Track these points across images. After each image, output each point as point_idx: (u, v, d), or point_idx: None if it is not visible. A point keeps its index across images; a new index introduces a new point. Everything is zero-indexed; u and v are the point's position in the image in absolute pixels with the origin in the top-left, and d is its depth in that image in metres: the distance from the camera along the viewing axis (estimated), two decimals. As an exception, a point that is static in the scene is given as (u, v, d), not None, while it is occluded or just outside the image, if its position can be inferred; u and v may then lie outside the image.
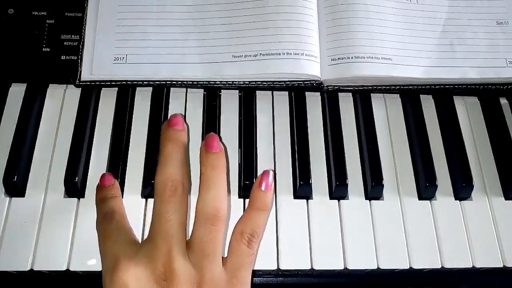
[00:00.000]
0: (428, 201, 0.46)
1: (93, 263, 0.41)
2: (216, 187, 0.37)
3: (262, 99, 0.50)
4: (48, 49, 0.48)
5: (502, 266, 0.44)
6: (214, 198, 0.37)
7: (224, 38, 0.48)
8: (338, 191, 0.45)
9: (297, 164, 0.46)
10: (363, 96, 0.50)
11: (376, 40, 0.48)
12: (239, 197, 0.45)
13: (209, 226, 0.36)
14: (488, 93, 0.51)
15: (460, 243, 0.44)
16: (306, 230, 0.44)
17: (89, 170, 0.45)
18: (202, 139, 0.47)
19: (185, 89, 0.49)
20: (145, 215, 0.43)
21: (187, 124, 0.48)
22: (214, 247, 0.36)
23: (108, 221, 0.39)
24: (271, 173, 0.40)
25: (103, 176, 0.42)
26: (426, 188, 0.45)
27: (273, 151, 0.47)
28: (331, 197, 0.45)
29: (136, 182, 0.44)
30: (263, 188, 0.39)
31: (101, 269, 0.40)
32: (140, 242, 0.40)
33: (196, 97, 0.49)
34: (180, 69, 0.47)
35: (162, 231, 0.36)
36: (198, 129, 0.48)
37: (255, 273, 0.42)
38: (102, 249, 0.38)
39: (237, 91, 0.50)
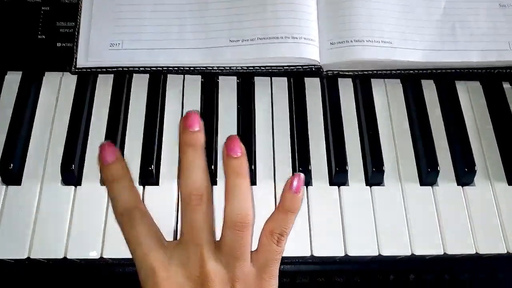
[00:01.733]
0: (430, 187, 0.45)
1: (92, 252, 0.41)
2: (241, 194, 0.39)
3: (261, 86, 0.49)
4: (44, 36, 0.48)
5: (506, 252, 0.43)
6: (240, 205, 0.38)
7: (221, 22, 0.47)
8: (338, 177, 0.44)
9: (296, 151, 0.45)
10: (363, 81, 0.49)
11: (375, 23, 0.47)
12: (238, 184, 0.44)
13: (237, 232, 0.38)
14: (490, 77, 0.50)
15: (462, 230, 0.44)
16: (306, 217, 0.43)
17: (86, 158, 0.44)
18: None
19: (182, 76, 0.49)
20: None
21: (184, 111, 0.47)
22: (243, 250, 0.38)
23: (132, 225, 0.38)
24: (302, 176, 0.41)
25: (102, 149, 0.40)
26: (427, 174, 0.45)
27: (272, 138, 0.47)
28: (331, 184, 0.45)
29: (134, 169, 0.44)
30: (293, 190, 0.40)
31: (99, 258, 0.41)
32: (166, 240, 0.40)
33: (194, 84, 0.49)
34: (176, 55, 0.46)
35: (192, 238, 0.38)
36: (196, 116, 0.47)
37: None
38: (134, 258, 0.38)
39: (235, 77, 0.49)
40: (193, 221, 0.38)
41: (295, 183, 0.40)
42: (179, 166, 0.44)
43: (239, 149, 0.39)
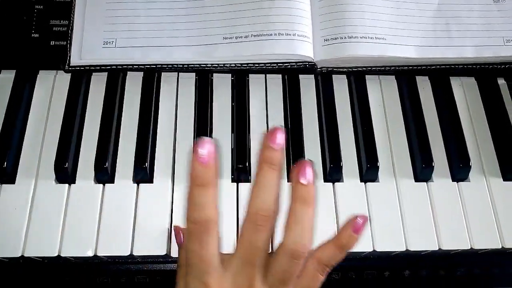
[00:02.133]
0: (425, 183, 0.45)
1: (86, 250, 0.40)
2: (304, 223, 0.37)
3: (255, 83, 0.49)
4: (37, 35, 0.48)
5: (500, 247, 0.43)
6: (301, 235, 0.37)
7: (215, 20, 0.47)
8: (332, 173, 0.44)
9: (290, 147, 0.45)
10: (357, 77, 0.49)
11: (369, 19, 0.47)
12: (232, 181, 0.44)
13: (292, 261, 0.37)
14: (485, 73, 0.50)
15: (457, 225, 0.43)
16: (301, 213, 0.43)
17: (80, 156, 0.44)
18: (194, 125, 0.46)
19: (176, 73, 0.49)
20: (136, 200, 0.43)
21: (178, 109, 0.47)
22: (292, 277, 0.37)
23: (206, 240, 0.36)
24: (366, 218, 0.39)
25: (201, 144, 0.35)
26: (422, 170, 0.45)
27: (267, 135, 0.47)
28: (326, 180, 0.45)
29: (128, 167, 0.44)
30: (356, 231, 0.38)
31: (93, 256, 0.40)
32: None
33: (188, 82, 0.49)
34: (170, 52, 0.46)
35: (248, 257, 0.37)
36: (190, 114, 0.47)
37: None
38: (189, 269, 0.37)
39: (230, 75, 0.49)
40: (253, 241, 0.37)
41: (358, 223, 0.38)
42: (174, 164, 0.44)
43: (312, 177, 0.38)
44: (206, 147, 0.35)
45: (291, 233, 0.37)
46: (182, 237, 0.41)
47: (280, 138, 0.37)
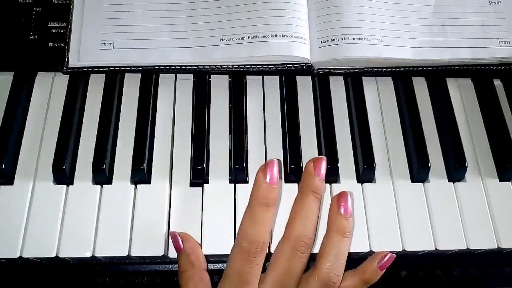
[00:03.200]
0: (421, 184, 0.45)
1: (84, 251, 0.41)
2: (341, 255, 0.38)
3: (253, 84, 0.49)
4: (36, 37, 0.48)
5: (496, 247, 0.43)
6: (336, 265, 0.38)
7: (212, 21, 0.47)
8: (329, 174, 0.44)
9: (288, 149, 0.46)
10: (354, 79, 0.49)
11: (366, 21, 0.47)
12: (230, 182, 0.44)
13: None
14: (481, 74, 0.50)
15: (454, 225, 0.44)
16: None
17: (78, 157, 0.45)
18: (192, 126, 0.46)
19: (174, 75, 0.49)
20: (134, 202, 0.43)
21: (175, 110, 0.47)
22: None
23: (251, 261, 0.37)
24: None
25: (270, 164, 0.38)
26: (418, 170, 0.45)
27: (264, 136, 0.47)
28: (323, 181, 0.45)
29: (125, 168, 0.44)
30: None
31: (91, 257, 0.41)
32: None
33: (186, 83, 0.49)
34: (168, 54, 0.46)
35: (283, 283, 0.37)
36: (188, 115, 0.47)
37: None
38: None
39: (227, 76, 0.49)
40: (291, 266, 0.38)
41: (385, 261, 0.40)
42: (171, 165, 0.45)
43: (351, 212, 0.39)
44: (274, 169, 0.38)
45: (326, 262, 0.38)
46: (180, 242, 0.40)
47: (324, 168, 0.39)
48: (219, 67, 0.47)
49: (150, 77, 0.48)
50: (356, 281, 0.40)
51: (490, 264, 0.45)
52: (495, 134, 0.48)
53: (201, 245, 0.41)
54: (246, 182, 0.44)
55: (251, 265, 0.37)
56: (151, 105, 0.47)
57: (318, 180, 0.39)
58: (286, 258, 0.38)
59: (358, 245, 0.42)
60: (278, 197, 0.40)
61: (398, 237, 0.43)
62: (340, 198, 0.39)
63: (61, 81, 0.48)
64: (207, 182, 0.44)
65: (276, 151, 0.46)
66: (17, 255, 0.40)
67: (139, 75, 0.48)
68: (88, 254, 0.41)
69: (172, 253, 0.41)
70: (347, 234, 0.39)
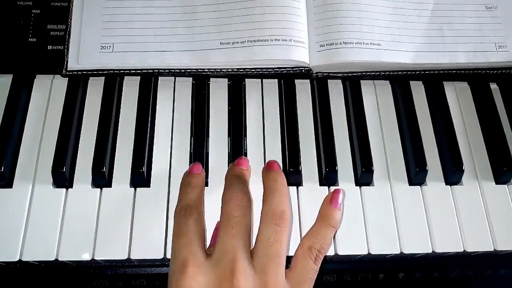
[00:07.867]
0: (419, 187, 0.46)
1: (84, 254, 0.41)
2: (280, 193, 0.40)
3: (252, 87, 0.50)
4: (34, 39, 0.48)
5: (493, 250, 0.44)
6: (278, 202, 0.39)
7: (212, 25, 0.47)
8: (328, 177, 0.45)
9: (286, 151, 0.46)
10: (352, 82, 0.50)
11: (364, 25, 0.48)
12: (229, 185, 0.45)
13: (275, 226, 0.37)
14: (478, 78, 0.51)
15: (451, 228, 0.44)
16: (297, 217, 0.43)
17: (77, 161, 0.45)
18: (191, 129, 0.47)
19: (173, 78, 0.49)
20: (133, 204, 0.43)
21: (175, 113, 0.48)
22: (279, 249, 0.37)
23: (187, 216, 0.39)
24: (342, 192, 0.41)
25: (193, 165, 0.43)
26: (416, 174, 0.45)
27: (263, 139, 0.47)
28: (321, 184, 0.45)
29: (125, 171, 0.44)
30: (336, 206, 0.40)
31: (90, 260, 0.41)
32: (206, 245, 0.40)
33: (185, 86, 0.49)
34: (167, 57, 0.46)
35: (227, 245, 0.37)
36: (187, 118, 0.47)
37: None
38: (174, 245, 0.38)
39: (226, 79, 0.50)
40: (228, 228, 0.38)
41: (336, 198, 0.40)
42: (170, 168, 0.45)
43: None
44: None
45: (268, 203, 0.39)
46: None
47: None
48: (218, 70, 0.47)
49: (149, 80, 0.48)
50: (321, 228, 0.39)
51: (487, 266, 0.46)
52: (492, 137, 0.48)
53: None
54: (246, 185, 0.44)
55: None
56: (150, 108, 0.47)
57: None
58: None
59: (357, 248, 0.43)
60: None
61: (396, 239, 0.43)
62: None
63: (60, 84, 0.48)
64: (207, 185, 0.44)
65: (275, 154, 0.46)
66: (17, 259, 0.40)
67: (138, 78, 0.48)
68: (87, 257, 0.41)
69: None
70: (278, 180, 0.40)
